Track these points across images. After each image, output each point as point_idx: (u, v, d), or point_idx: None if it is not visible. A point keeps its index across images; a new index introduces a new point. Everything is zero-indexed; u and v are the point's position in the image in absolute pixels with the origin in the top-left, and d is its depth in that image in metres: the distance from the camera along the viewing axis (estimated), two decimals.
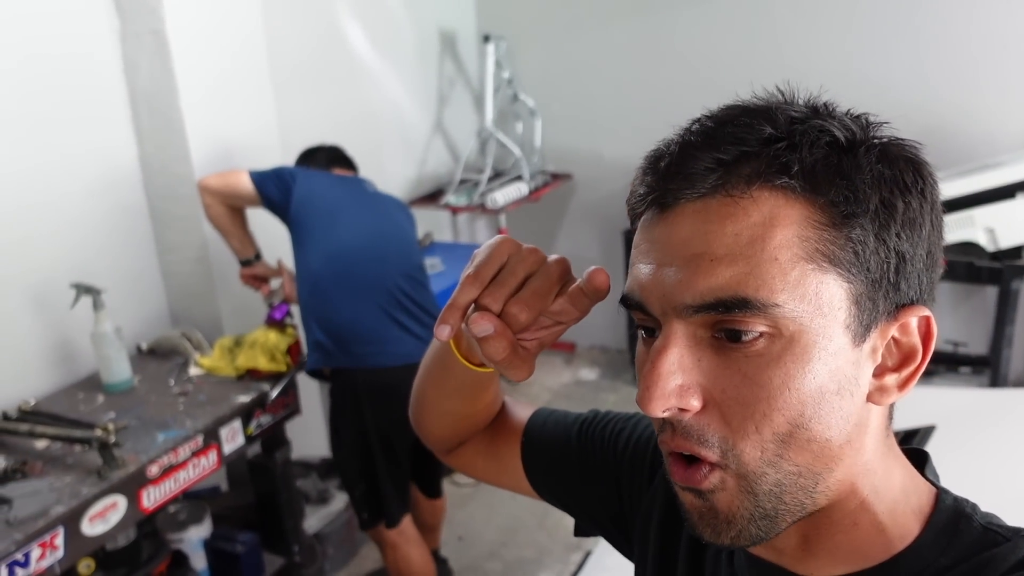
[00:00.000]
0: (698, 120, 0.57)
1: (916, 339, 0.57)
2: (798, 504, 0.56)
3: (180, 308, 2.77)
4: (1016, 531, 0.57)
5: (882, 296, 0.55)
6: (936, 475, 0.64)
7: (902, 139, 0.57)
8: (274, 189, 2.37)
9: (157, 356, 2.57)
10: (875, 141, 0.55)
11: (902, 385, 0.57)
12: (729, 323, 0.53)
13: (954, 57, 3.45)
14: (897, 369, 0.57)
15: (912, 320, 0.56)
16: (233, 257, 2.71)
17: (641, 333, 0.60)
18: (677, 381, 0.54)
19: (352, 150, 2.72)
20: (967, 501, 0.61)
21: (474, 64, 4.30)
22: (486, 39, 3.98)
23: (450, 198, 3.90)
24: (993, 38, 3.40)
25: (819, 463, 0.55)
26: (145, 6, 2.42)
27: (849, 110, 0.57)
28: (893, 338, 0.57)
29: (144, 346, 2.60)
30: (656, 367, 0.54)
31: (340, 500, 2.95)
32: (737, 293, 0.52)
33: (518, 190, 3.92)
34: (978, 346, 3.61)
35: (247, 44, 2.70)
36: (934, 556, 0.57)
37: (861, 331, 0.54)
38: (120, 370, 2.35)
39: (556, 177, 4.25)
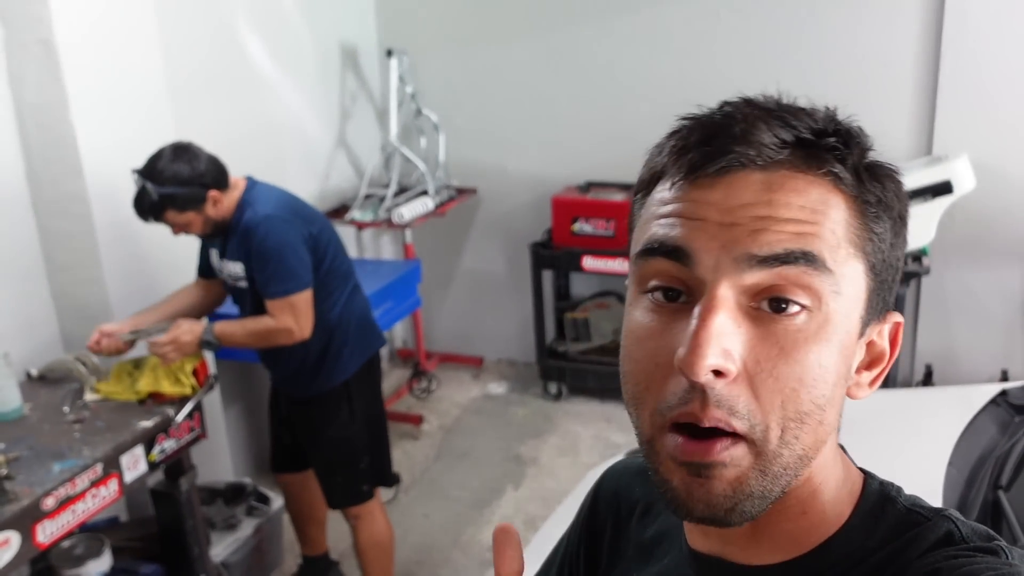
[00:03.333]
0: (734, 104, 0.60)
1: (886, 342, 0.62)
2: (784, 488, 0.57)
3: (73, 331, 2.63)
4: (937, 511, 0.61)
5: (881, 298, 0.60)
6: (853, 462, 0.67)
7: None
8: (310, 266, 2.35)
9: (49, 382, 2.43)
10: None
11: (872, 383, 0.62)
12: (779, 289, 0.55)
13: (840, 74, 3.62)
14: (868, 367, 0.62)
15: (887, 325, 0.62)
16: (129, 278, 2.61)
17: (655, 296, 0.59)
18: (724, 343, 0.54)
19: (253, 164, 2.65)
20: (892, 484, 0.64)
21: (376, 78, 4.27)
22: (389, 53, 3.95)
23: (355, 213, 3.85)
24: (875, 56, 3.59)
25: (815, 449, 0.58)
26: (31, 15, 2.31)
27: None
28: (870, 339, 0.61)
29: (34, 372, 2.45)
30: (708, 325, 0.53)
31: (248, 526, 2.85)
32: (805, 247, 0.54)
33: (424, 205, 3.90)
34: None
35: (141, 55, 2.61)
36: (862, 539, 0.60)
37: (862, 326, 0.59)
38: (9, 398, 2.22)
39: (461, 192, 4.25)
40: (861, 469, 0.65)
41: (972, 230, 3.58)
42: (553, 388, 4.18)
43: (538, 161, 4.21)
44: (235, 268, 2.37)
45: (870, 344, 0.62)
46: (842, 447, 0.66)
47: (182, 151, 2.27)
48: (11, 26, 2.34)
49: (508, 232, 4.37)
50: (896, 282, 0.61)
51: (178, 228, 2.33)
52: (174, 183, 2.23)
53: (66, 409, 2.27)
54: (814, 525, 0.61)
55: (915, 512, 0.61)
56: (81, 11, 2.39)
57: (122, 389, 2.31)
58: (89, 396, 2.33)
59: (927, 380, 3.84)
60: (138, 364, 2.35)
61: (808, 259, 0.54)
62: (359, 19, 4.17)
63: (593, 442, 3.79)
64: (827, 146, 0.57)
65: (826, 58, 3.63)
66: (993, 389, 2.38)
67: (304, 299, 2.32)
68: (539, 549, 2.30)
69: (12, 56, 2.37)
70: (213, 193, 2.28)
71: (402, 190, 4.08)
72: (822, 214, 0.56)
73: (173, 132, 2.68)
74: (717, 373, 0.54)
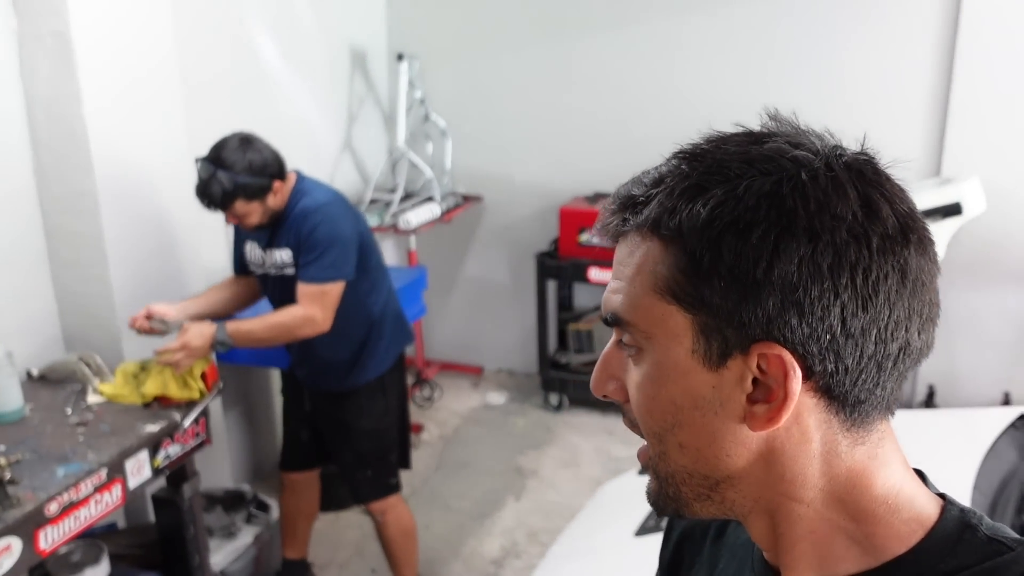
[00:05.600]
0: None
1: (777, 375, 0.58)
2: (700, 496, 0.64)
3: (76, 330, 2.57)
4: (1021, 541, 0.59)
5: (731, 329, 0.59)
6: (935, 489, 0.66)
7: (805, 175, 0.58)
8: (353, 262, 2.38)
9: (50, 383, 2.37)
10: (746, 181, 0.58)
11: (770, 417, 0.59)
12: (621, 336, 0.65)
13: (853, 93, 3.61)
14: (767, 401, 0.59)
15: (770, 355, 0.58)
16: (135, 278, 2.56)
17: None
18: (606, 372, 0.67)
19: None
20: (974, 512, 0.63)
21: (384, 83, 4.24)
22: (400, 58, 3.92)
23: None
24: (888, 76, 3.58)
25: (705, 468, 0.63)
26: (47, 6, 2.26)
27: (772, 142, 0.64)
28: (761, 370, 0.59)
29: (35, 372, 2.39)
30: (598, 360, 0.68)
31: (247, 534, 2.79)
32: (614, 309, 0.64)
33: (430, 211, 3.87)
34: None
35: (156, 52, 2.56)
36: (934, 562, 0.59)
37: (716, 358, 0.60)
38: (11, 398, 2.16)
39: (467, 199, 4.21)
40: (942, 495, 0.64)
41: (978, 252, 3.58)
42: (554, 399, 4.14)
43: (545, 171, 4.18)
44: (283, 255, 2.39)
45: (763, 376, 0.59)
46: (920, 473, 0.65)
47: (248, 141, 2.30)
48: (25, 17, 2.29)
49: (512, 241, 4.33)
50: (758, 309, 0.57)
51: (236, 218, 2.34)
52: (247, 172, 2.25)
53: (69, 411, 2.21)
54: (841, 544, 0.61)
55: (997, 541, 0.59)
56: (97, 4, 2.34)
57: (128, 392, 2.26)
58: (92, 398, 2.27)
59: (929, 401, 3.82)
60: (144, 367, 2.30)
61: (615, 320, 0.64)
62: (369, 23, 4.14)
63: (595, 455, 3.75)
64: (658, 208, 0.61)
65: (839, 77, 3.62)
66: (1011, 413, 2.36)
67: (336, 291, 2.33)
68: (552, 566, 2.25)
69: (25, 48, 2.32)
70: (276, 183, 2.31)
71: (407, 196, 4.04)
72: (636, 270, 0.62)
73: (184, 130, 2.64)
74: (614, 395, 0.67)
